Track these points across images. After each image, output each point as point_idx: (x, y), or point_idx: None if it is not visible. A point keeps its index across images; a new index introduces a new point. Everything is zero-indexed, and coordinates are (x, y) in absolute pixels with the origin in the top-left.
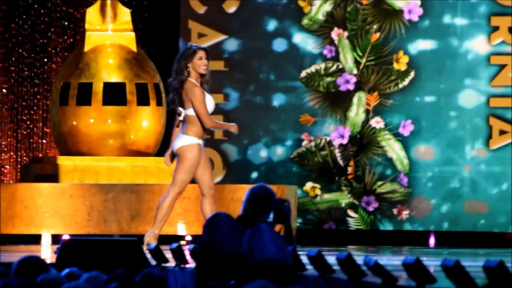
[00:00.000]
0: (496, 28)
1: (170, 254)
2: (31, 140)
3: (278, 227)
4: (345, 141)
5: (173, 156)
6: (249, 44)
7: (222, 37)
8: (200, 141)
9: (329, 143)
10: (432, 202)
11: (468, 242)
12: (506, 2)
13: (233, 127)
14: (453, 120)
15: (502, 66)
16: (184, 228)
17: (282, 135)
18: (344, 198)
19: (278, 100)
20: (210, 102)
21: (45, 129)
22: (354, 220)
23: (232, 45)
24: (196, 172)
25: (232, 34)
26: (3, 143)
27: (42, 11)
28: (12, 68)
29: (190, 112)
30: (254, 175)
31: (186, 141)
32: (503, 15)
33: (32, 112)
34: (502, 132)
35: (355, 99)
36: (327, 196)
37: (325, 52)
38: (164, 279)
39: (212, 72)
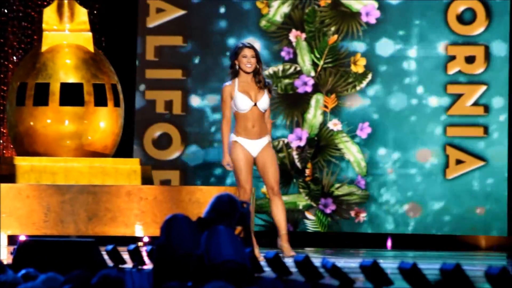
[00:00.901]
0: (452, 58)
1: (127, 256)
2: None
3: (237, 230)
4: (302, 143)
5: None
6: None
7: (181, 12)
8: (239, 138)
9: (287, 145)
10: (390, 204)
11: (427, 245)
12: (462, 31)
13: (224, 161)
14: (411, 124)
15: (459, 96)
16: (142, 230)
17: None
18: (301, 200)
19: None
20: (241, 102)
21: (1, 130)
22: (311, 222)
23: (192, 20)
24: (248, 169)
25: (191, 11)
26: None
27: None
28: None
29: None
30: (212, 176)
31: (230, 137)
32: (459, 45)
33: None
34: (458, 162)
35: (312, 101)
36: (284, 198)
37: (283, 54)
38: (121, 280)
39: (172, 47)
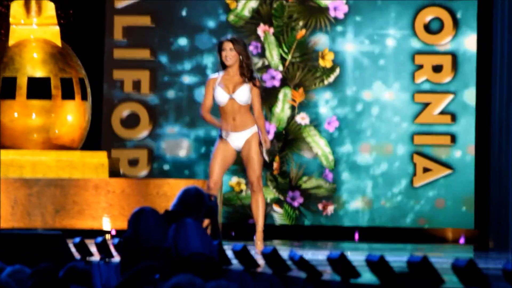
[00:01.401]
0: (420, 67)
1: (95, 248)
2: None
3: (205, 222)
4: (270, 137)
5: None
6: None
7: None
8: (224, 133)
9: None
10: (357, 198)
11: (394, 237)
12: (430, 40)
13: (219, 124)
14: (378, 118)
15: (426, 104)
16: (109, 223)
17: (207, 129)
18: (269, 193)
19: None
20: (217, 95)
21: None
22: (279, 215)
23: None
24: (219, 162)
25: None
26: None
27: None
28: None
29: None
30: (180, 169)
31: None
32: (427, 54)
33: None
34: (426, 170)
35: (280, 95)
36: None
37: (251, 48)
38: (88, 273)
39: (139, 28)
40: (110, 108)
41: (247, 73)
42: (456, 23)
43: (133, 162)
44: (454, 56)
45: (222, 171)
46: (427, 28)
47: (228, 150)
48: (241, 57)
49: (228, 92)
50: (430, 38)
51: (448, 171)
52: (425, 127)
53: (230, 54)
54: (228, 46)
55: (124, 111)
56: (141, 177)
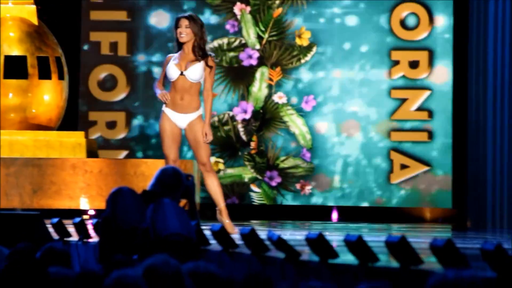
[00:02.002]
0: (396, 62)
1: (73, 229)
2: None
3: (182, 202)
4: (248, 116)
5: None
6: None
7: None
8: (167, 110)
9: (232, 118)
10: (335, 177)
11: (372, 217)
12: (406, 36)
13: (161, 96)
14: (356, 97)
15: (403, 100)
16: (87, 203)
17: None
18: (247, 173)
19: None
20: (169, 70)
21: None
22: (257, 195)
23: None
24: (170, 142)
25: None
26: None
27: None
28: None
29: None
30: (156, 148)
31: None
32: (403, 50)
33: None
34: (403, 167)
35: (257, 74)
36: (230, 171)
37: (228, 27)
38: (66, 253)
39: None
40: (88, 71)
41: (199, 52)
42: (431, 18)
43: (111, 125)
44: (430, 51)
45: (177, 149)
46: (403, 23)
47: (174, 128)
48: (195, 36)
49: (180, 68)
50: (406, 33)
51: (425, 168)
52: (402, 124)
53: (185, 31)
54: (184, 23)
55: (101, 73)
56: (119, 139)
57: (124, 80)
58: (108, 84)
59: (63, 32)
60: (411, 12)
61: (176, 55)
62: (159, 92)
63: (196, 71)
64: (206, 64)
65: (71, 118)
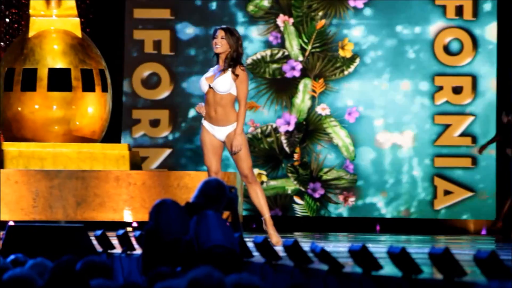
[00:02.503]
0: (440, 88)
1: (116, 241)
2: None
3: (225, 214)
4: (291, 128)
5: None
6: (195, 29)
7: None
8: (205, 122)
9: (275, 130)
10: (379, 189)
11: (415, 229)
12: (449, 62)
13: (197, 108)
14: (399, 107)
15: (447, 126)
16: (130, 215)
17: None
18: (290, 185)
19: None
20: (200, 83)
21: None
22: (300, 207)
23: (181, 26)
24: (211, 155)
25: (180, 15)
26: None
27: None
28: None
29: None
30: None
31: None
32: (446, 75)
33: None
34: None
35: (301, 86)
36: (273, 182)
37: (271, 38)
38: (107, 265)
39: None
40: (131, 69)
41: (229, 62)
42: (475, 44)
43: (155, 124)
44: (474, 77)
45: (218, 161)
46: (447, 49)
47: (213, 140)
48: (230, 48)
49: (209, 81)
50: (450, 59)
51: (469, 194)
52: (446, 149)
53: (220, 42)
54: (220, 34)
55: (145, 71)
56: (162, 137)
57: (167, 78)
58: (152, 81)
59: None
60: (455, 37)
61: (212, 68)
62: (197, 105)
63: (224, 83)
64: (233, 73)
65: (115, 120)
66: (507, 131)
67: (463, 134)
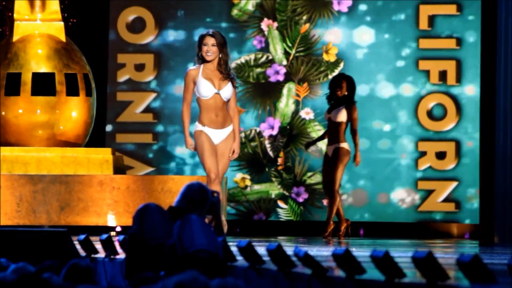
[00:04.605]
0: (424, 153)
1: (100, 245)
2: None
3: (208, 219)
4: (275, 132)
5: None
6: (177, 35)
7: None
8: (205, 128)
9: (259, 134)
10: (364, 192)
11: (398, 233)
12: (433, 128)
13: (187, 143)
14: (384, 111)
15: (430, 192)
16: (114, 219)
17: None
18: (274, 189)
19: None
20: (203, 88)
21: None
22: (284, 211)
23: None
24: (211, 154)
25: (160, 21)
26: None
27: None
28: None
29: None
30: (186, 165)
31: (194, 126)
32: (429, 141)
33: None
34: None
35: (285, 90)
36: (257, 187)
37: (255, 43)
38: (90, 269)
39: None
40: (116, 13)
41: (225, 70)
42: (459, 109)
43: (140, 68)
44: (457, 142)
45: (217, 162)
46: (430, 114)
47: (213, 145)
48: (220, 54)
49: (214, 86)
50: (433, 124)
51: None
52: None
53: (212, 50)
54: (210, 41)
55: (130, 15)
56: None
57: (152, 22)
58: (137, 26)
59: None
60: (438, 102)
61: (199, 70)
62: (189, 142)
63: (229, 91)
64: (232, 84)
65: (100, 66)
66: None
67: (446, 200)
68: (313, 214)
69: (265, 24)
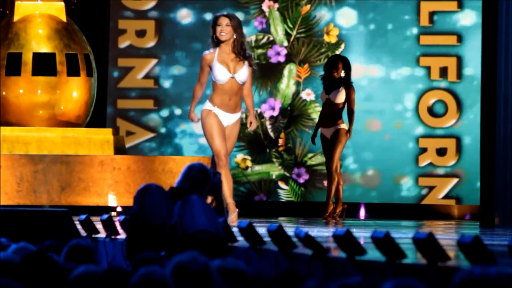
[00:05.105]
0: (424, 150)
1: (100, 225)
2: None
3: (209, 199)
4: (275, 113)
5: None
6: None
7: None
8: (214, 108)
9: (260, 115)
10: (364, 173)
11: (400, 214)
12: (434, 123)
13: (190, 115)
14: (384, 92)
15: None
16: (115, 199)
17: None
18: (275, 170)
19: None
20: (218, 72)
21: None
22: (285, 192)
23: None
24: (220, 135)
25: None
26: None
27: None
28: None
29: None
30: (186, 146)
31: (204, 105)
32: (431, 137)
33: None
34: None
35: (285, 71)
36: (258, 168)
37: (256, 24)
38: (91, 249)
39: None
40: None
41: (241, 51)
42: (459, 106)
43: (141, 34)
44: (458, 138)
45: (226, 144)
46: (431, 111)
47: (222, 126)
48: (235, 34)
49: (229, 71)
50: (434, 121)
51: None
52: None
53: (226, 30)
54: (224, 21)
55: None
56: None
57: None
58: None
59: None
60: (439, 99)
61: (215, 54)
62: (192, 115)
63: (244, 74)
64: (249, 64)
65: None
66: None
67: (447, 197)
68: (314, 195)
69: (266, 5)
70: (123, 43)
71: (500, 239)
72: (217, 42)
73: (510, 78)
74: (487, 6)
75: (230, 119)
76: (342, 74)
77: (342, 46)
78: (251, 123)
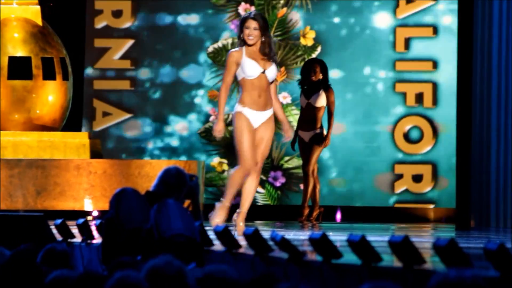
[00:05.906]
0: (400, 176)
1: (76, 230)
2: None
3: (186, 203)
4: None
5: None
6: (155, 19)
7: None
8: (245, 109)
9: None
10: (340, 177)
11: (375, 217)
12: (410, 150)
13: (217, 128)
14: (364, 95)
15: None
16: (91, 204)
17: (189, 110)
18: None
19: (185, 75)
20: (249, 67)
21: None
22: (261, 196)
23: (138, 18)
24: (251, 144)
25: (137, 5)
26: None
27: None
28: None
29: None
30: (163, 149)
31: (234, 108)
32: (407, 163)
33: None
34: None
35: None
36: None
37: (232, 27)
38: (67, 253)
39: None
40: None
41: (269, 51)
42: (435, 132)
43: (117, 14)
44: (434, 165)
45: (255, 152)
46: (407, 137)
47: (251, 129)
48: (263, 37)
49: (261, 66)
50: (410, 147)
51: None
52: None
53: (254, 33)
54: (252, 24)
55: None
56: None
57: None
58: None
59: None
60: (414, 125)
61: (242, 52)
62: (218, 129)
63: (274, 71)
64: (275, 63)
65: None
66: None
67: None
68: (290, 198)
69: (242, 8)
70: (100, 24)
71: (475, 241)
72: (243, 43)
73: (485, 95)
74: (463, 31)
75: (261, 117)
76: (320, 76)
77: (319, 49)
78: (287, 131)
